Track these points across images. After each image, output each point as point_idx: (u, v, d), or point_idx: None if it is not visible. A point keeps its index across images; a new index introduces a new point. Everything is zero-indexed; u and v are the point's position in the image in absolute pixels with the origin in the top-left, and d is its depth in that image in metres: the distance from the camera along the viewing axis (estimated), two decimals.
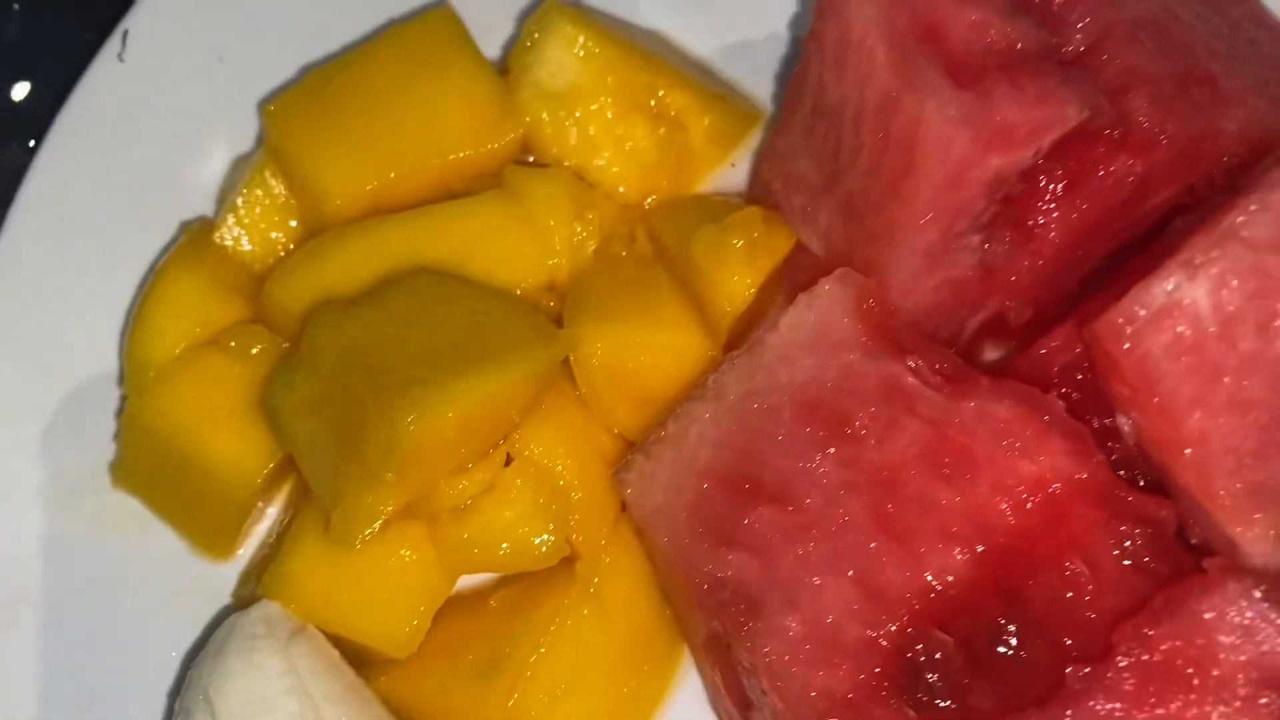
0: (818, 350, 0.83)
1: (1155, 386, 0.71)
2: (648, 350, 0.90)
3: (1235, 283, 0.70)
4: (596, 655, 0.88)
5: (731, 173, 1.03)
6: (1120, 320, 0.71)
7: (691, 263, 0.92)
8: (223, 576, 0.95)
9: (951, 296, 0.88)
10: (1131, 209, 0.85)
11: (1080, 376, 0.80)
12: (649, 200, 1.00)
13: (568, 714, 0.87)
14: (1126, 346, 0.71)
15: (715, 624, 0.80)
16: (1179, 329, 0.71)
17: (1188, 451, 0.71)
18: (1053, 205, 0.85)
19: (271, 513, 0.97)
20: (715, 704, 0.89)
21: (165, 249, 1.00)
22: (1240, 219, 0.71)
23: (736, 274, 0.90)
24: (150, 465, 0.94)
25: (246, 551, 0.96)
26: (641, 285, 0.94)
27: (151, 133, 1.02)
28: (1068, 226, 0.85)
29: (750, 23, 1.04)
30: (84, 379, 0.97)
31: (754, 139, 1.03)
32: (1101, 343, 0.73)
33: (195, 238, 0.99)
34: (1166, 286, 0.71)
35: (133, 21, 1.02)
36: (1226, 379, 0.71)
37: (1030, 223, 0.86)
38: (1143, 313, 0.70)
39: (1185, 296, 0.70)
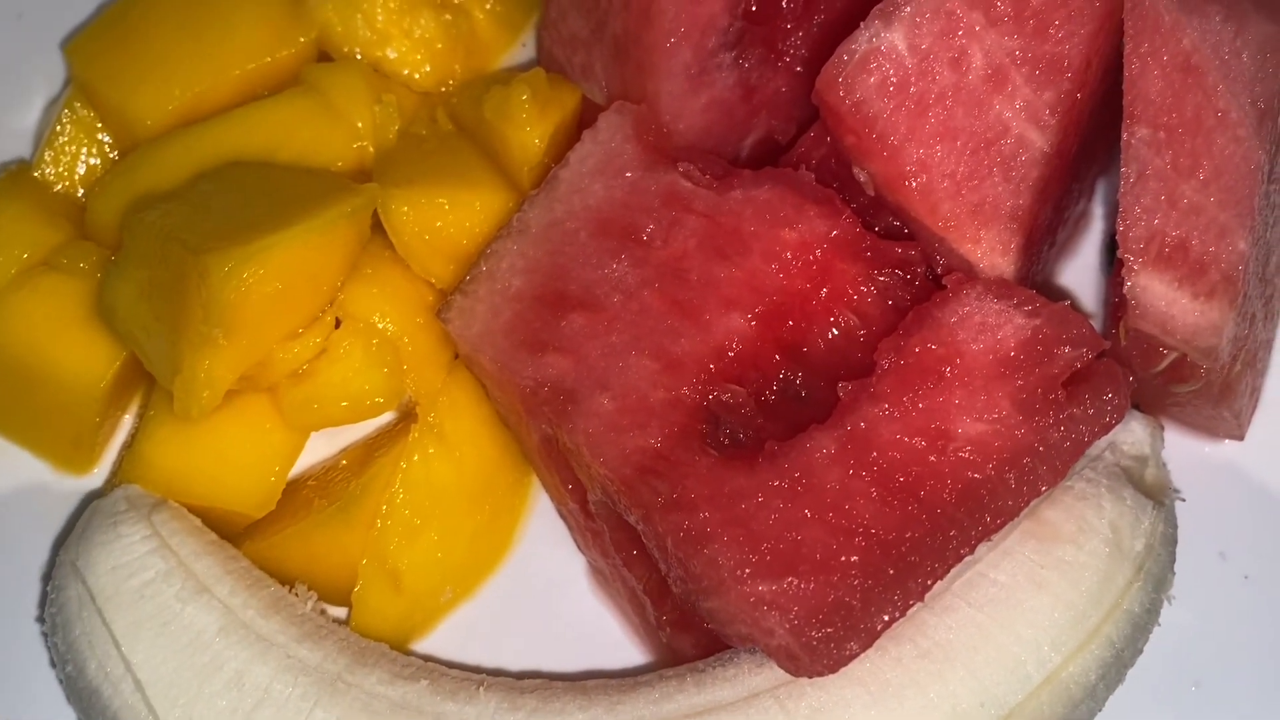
0: (604, 175, 0.91)
1: (874, 125, 0.80)
2: (454, 208, 0.95)
3: (924, 24, 0.79)
4: (448, 488, 0.94)
5: (523, 52, 1.11)
6: (834, 72, 0.80)
7: (485, 123, 0.99)
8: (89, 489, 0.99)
9: (721, 118, 0.96)
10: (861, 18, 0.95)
11: (830, 166, 0.89)
12: (445, 87, 1.08)
13: (429, 544, 0.93)
14: (842, 94, 0.80)
15: (543, 425, 0.87)
16: (885, 70, 0.79)
17: (912, 183, 0.80)
18: (794, 21, 0.94)
19: (127, 421, 1.01)
20: (560, 511, 0.95)
21: None
22: None
23: (527, 126, 0.96)
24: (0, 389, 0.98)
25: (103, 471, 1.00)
26: (444, 155, 1.00)
27: None
28: (810, 39, 0.95)
29: None
30: None
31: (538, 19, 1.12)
32: (824, 100, 0.81)
33: (15, 175, 1.02)
34: (868, 35, 0.80)
35: None
36: (931, 110, 0.80)
37: (779, 42, 0.96)
38: (851, 61, 0.79)
39: (884, 42, 0.79)
